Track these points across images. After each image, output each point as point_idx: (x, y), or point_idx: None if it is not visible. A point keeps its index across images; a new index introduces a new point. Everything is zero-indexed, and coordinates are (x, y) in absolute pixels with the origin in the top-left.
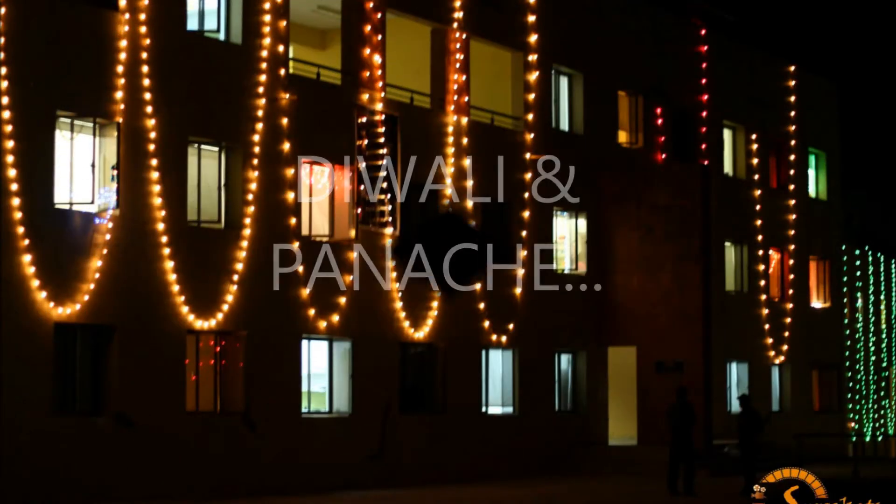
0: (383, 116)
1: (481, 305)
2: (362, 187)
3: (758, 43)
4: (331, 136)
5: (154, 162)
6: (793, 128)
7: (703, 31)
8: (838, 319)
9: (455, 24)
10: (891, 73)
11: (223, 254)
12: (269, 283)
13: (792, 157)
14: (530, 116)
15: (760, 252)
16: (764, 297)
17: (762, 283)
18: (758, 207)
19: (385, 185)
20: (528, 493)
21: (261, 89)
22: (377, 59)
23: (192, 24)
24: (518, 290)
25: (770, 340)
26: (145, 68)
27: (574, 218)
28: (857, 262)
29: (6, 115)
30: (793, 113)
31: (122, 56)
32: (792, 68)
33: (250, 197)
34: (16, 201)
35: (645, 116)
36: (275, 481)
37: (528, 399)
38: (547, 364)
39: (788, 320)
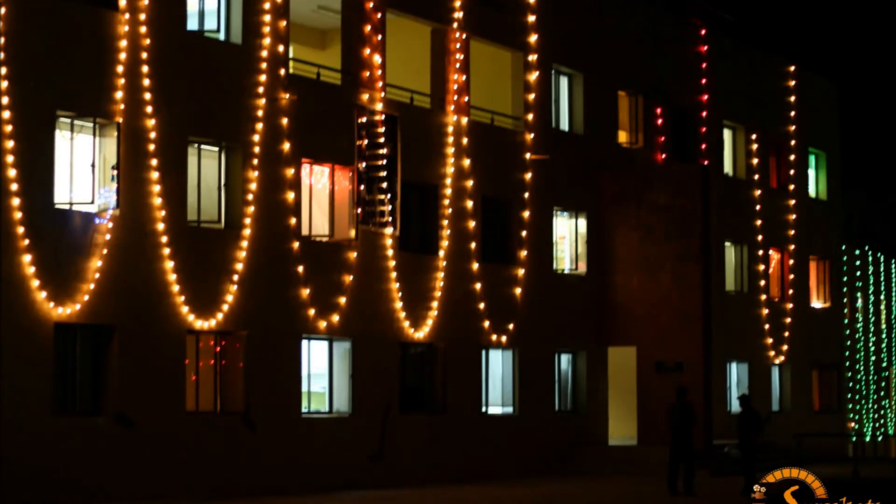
0: (383, 116)
1: (481, 305)
2: (362, 187)
3: (758, 43)
4: (331, 136)
5: (154, 162)
6: (793, 128)
7: (703, 31)
8: (838, 319)
9: (455, 24)
10: (891, 73)
11: (223, 254)
12: (269, 283)
13: (792, 157)
14: (530, 116)
15: (760, 252)
16: (764, 297)
17: (762, 283)
18: (758, 207)
19: (385, 185)
20: (528, 493)
21: (261, 89)
22: (377, 59)
23: (192, 24)
24: (518, 290)
25: (770, 340)
26: (145, 68)
27: (574, 218)
28: (857, 262)
29: (6, 115)
30: (793, 113)
31: (122, 56)
32: (792, 68)
33: (250, 197)
34: (16, 201)
35: (645, 116)
36: (275, 481)
37: (528, 399)
38: (547, 364)
39: (788, 320)
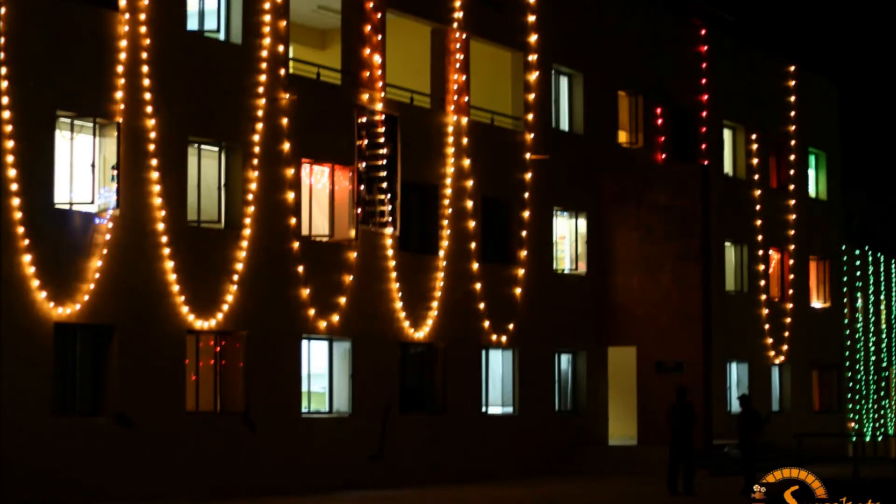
0: (383, 116)
1: (481, 305)
2: (362, 187)
3: (758, 43)
4: (331, 136)
5: (154, 162)
6: (793, 128)
7: (703, 31)
8: (838, 319)
9: (455, 24)
10: (891, 73)
11: (223, 254)
12: (269, 283)
13: (792, 157)
14: (530, 116)
15: (760, 252)
16: (764, 297)
17: (762, 283)
18: (758, 207)
19: (385, 185)
20: (528, 493)
21: (261, 89)
22: (377, 59)
23: (192, 24)
24: (518, 290)
25: (770, 340)
26: (145, 68)
27: (574, 218)
28: (857, 262)
29: (6, 115)
30: (793, 113)
31: (122, 56)
32: (792, 68)
33: (250, 197)
34: (16, 201)
35: (645, 116)
36: (275, 481)
37: (528, 399)
38: (547, 364)
39: (788, 320)
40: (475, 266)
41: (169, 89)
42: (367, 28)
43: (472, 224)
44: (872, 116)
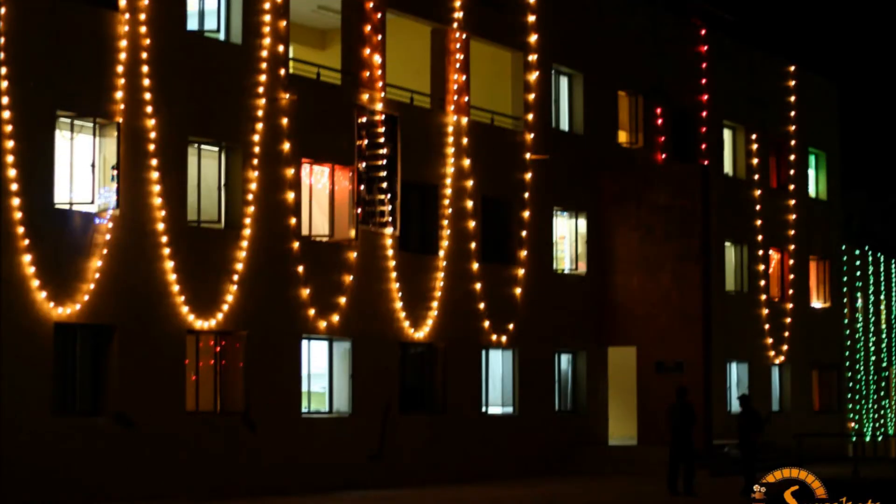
0: (383, 116)
1: (481, 305)
2: (362, 187)
3: (758, 43)
4: (331, 136)
5: (154, 162)
6: (793, 128)
7: (703, 31)
8: (838, 319)
9: (455, 24)
10: (891, 73)
11: (223, 254)
12: (269, 283)
13: (792, 157)
14: (530, 116)
15: (760, 252)
16: (764, 297)
17: (762, 283)
18: (758, 207)
19: (385, 185)
20: (528, 493)
21: (261, 89)
22: (377, 59)
23: (192, 24)
24: (518, 290)
25: (770, 340)
26: (145, 68)
27: (574, 218)
28: (857, 262)
29: (6, 115)
30: (793, 113)
31: (122, 56)
32: (792, 68)
33: (250, 197)
34: (16, 201)
35: (645, 116)
36: (275, 481)
37: (528, 399)
38: (547, 364)
39: (788, 320)
40: (475, 266)
41: (169, 89)
42: (367, 28)
43: (472, 224)
44: (872, 116)
